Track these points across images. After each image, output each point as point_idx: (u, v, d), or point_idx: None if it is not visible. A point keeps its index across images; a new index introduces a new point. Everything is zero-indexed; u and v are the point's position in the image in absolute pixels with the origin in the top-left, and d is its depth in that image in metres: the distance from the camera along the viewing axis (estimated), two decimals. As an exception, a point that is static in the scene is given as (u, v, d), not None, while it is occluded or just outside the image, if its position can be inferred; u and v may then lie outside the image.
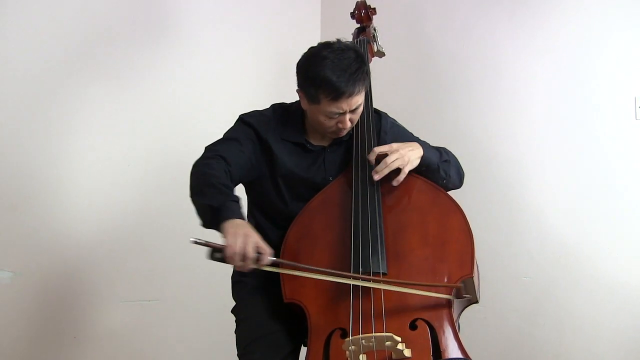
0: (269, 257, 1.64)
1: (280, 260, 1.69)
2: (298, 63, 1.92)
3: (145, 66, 2.79)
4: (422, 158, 1.94)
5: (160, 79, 2.83)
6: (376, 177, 1.89)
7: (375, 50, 2.35)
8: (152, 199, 2.77)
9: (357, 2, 2.45)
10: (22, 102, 2.46)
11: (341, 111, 1.86)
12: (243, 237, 1.61)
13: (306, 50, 1.93)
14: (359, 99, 1.87)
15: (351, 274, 1.74)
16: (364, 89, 1.88)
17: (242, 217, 1.72)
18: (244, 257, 1.61)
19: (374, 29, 2.40)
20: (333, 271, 1.74)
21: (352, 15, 2.45)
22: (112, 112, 2.68)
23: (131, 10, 2.78)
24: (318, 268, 1.75)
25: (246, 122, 2.01)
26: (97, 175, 2.63)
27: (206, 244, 1.61)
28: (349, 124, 1.92)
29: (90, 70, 2.63)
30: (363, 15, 2.40)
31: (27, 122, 2.47)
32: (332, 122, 1.91)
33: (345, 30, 2.51)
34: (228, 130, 2.03)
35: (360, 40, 2.30)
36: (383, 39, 2.40)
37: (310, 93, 1.88)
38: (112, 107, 2.68)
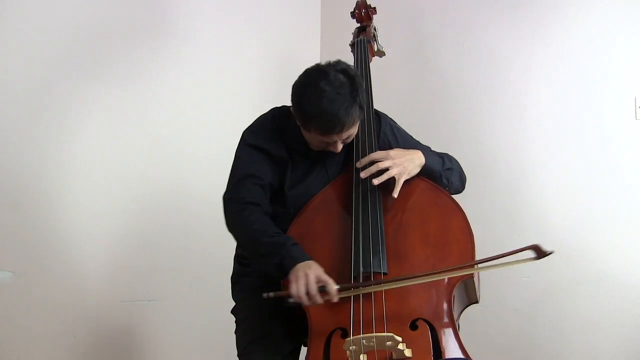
0: (332, 286, 1.68)
1: (343, 285, 1.71)
2: (294, 86, 1.88)
3: (146, 67, 2.79)
4: (424, 166, 1.94)
5: (160, 79, 2.83)
6: (375, 182, 1.88)
7: (376, 49, 2.35)
8: (152, 199, 2.77)
9: (357, 2, 2.45)
10: (23, 102, 2.46)
11: (331, 141, 1.87)
12: (303, 278, 1.68)
13: (303, 71, 1.88)
14: (351, 131, 1.86)
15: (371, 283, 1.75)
16: (357, 120, 1.86)
17: (300, 258, 1.74)
18: (310, 296, 1.67)
19: (375, 29, 2.40)
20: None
21: (353, 14, 2.45)
22: (113, 112, 2.68)
23: (131, 13, 2.78)
24: (374, 281, 1.75)
25: (254, 145, 1.97)
26: (97, 175, 2.62)
27: (277, 296, 1.72)
28: (340, 148, 1.92)
29: (90, 71, 2.63)
30: (363, 14, 2.41)
31: (28, 122, 2.46)
32: (323, 146, 1.92)
33: (344, 30, 2.51)
34: (236, 158, 1.99)
35: (360, 40, 2.30)
36: (383, 39, 2.40)
37: (301, 121, 1.87)
38: (112, 107, 2.68)
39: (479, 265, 1.75)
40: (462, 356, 1.67)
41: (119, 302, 2.66)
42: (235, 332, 1.98)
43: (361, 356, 1.63)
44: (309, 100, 1.81)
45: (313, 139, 1.89)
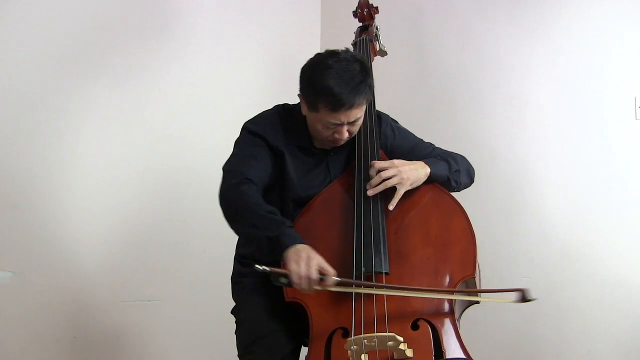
0: (332, 278, 1.65)
1: (343, 279, 1.68)
2: (302, 68, 1.91)
3: (146, 67, 2.79)
4: (431, 175, 1.93)
5: (160, 79, 2.83)
6: (370, 193, 1.88)
7: (378, 49, 2.35)
8: (152, 199, 2.77)
9: (360, 1, 2.45)
10: (23, 102, 2.45)
11: (339, 122, 1.86)
12: (306, 260, 1.64)
13: (312, 55, 1.92)
14: (358, 112, 1.86)
15: (386, 285, 1.74)
16: (365, 102, 1.87)
17: (299, 240, 1.72)
18: (308, 281, 1.64)
19: (377, 28, 2.40)
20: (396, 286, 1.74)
21: (355, 13, 2.45)
22: (113, 112, 2.68)
23: (130, 12, 2.77)
24: (373, 283, 1.74)
25: (254, 132, 1.98)
26: (97, 175, 2.62)
27: (271, 272, 1.66)
28: (346, 135, 1.91)
29: (90, 71, 2.63)
30: (365, 14, 2.41)
31: (28, 122, 2.46)
32: (329, 132, 1.90)
33: (344, 29, 2.51)
34: (237, 143, 2.00)
35: (362, 39, 2.30)
36: (384, 38, 2.40)
37: (310, 100, 1.87)
38: (112, 107, 2.68)
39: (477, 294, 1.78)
40: (463, 356, 1.67)
41: (119, 302, 2.65)
42: (235, 333, 1.98)
43: (362, 356, 1.63)
44: (319, 75, 1.82)
45: (320, 122, 1.88)
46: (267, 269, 1.66)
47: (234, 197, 1.84)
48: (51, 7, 2.53)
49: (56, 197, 2.52)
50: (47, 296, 2.46)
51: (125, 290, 2.67)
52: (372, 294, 1.73)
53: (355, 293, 1.74)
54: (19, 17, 2.45)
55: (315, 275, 1.63)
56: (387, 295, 1.72)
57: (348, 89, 1.79)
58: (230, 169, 1.93)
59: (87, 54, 2.62)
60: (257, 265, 1.66)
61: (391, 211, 1.89)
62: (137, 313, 2.70)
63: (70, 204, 2.55)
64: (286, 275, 1.65)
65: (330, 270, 1.66)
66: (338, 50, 1.89)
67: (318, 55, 1.91)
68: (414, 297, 1.73)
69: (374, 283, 1.74)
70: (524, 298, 1.63)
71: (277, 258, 1.71)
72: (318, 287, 1.66)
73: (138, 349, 2.71)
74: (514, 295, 1.65)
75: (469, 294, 1.77)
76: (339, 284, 1.67)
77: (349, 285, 1.72)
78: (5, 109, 2.41)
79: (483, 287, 1.91)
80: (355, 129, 1.94)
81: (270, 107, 2.09)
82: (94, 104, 2.62)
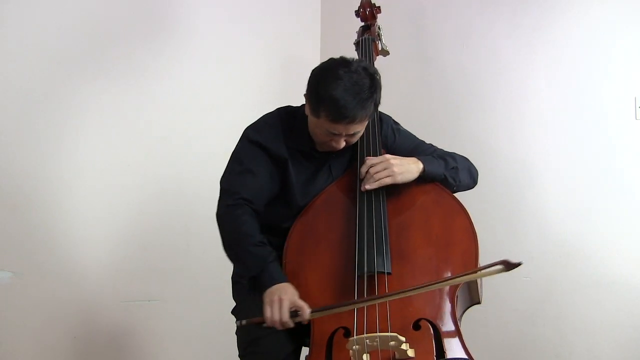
0: (306, 312, 1.70)
1: (317, 308, 1.72)
2: (313, 71, 1.90)
3: (146, 68, 2.78)
4: (424, 172, 1.93)
5: (161, 80, 2.82)
6: (363, 189, 1.90)
7: (380, 48, 2.35)
8: (152, 200, 2.76)
9: (362, 1, 2.45)
10: (23, 103, 2.45)
11: (337, 132, 1.85)
12: (278, 303, 1.70)
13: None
14: (358, 127, 1.86)
15: (377, 296, 1.74)
16: (367, 118, 1.86)
17: (277, 279, 1.77)
18: (282, 323, 1.70)
19: (379, 28, 2.40)
20: (372, 297, 1.74)
21: (357, 13, 2.45)
22: (113, 112, 2.67)
23: (131, 13, 2.77)
24: (349, 301, 1.75)
25: (255, 141, 1.97)
26: (97, 175, 2.62)
27: (251, 323, 1.75)
28: (342, 145, 1.91)
29: (91, 71, 2.62)
30: (368, 13, 2.41)
31: (28, 123, 2.45)
32: (326, 138, 1.90)
33: (344, 30, 2.51)
34: (236, 153, 2.00)
35: (365, 39, 2.30)
36: (385, 38, 2.40)
37: (313, 105, 1.86)
38: (113, 107, 2.67)
39: (454, 279, 1.74)
40: (464, 356, 1.67)
41: (119, 302, 2.65)
42: (235, 333, 1.97)
43: (364, 356, 1.64)
44: (326, 84, 1.81)
45: (319, 127, 1.88)
46: (244, 322, 1.75)
47: (227, 224, 1.89)
48: (51, 7, 2.53)
49: (56, 197, 2.51)
50: (47, 296, 2.46)
51: (125, 291, 2.66)
52: (374, 293, 1.73)
53: (357, 293, 1.74)
54: (19, 17, 2.44)
55: (286, 317, 1.69)
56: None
57: (353, 104, 1.78)
58: (227, 187, 1.94)
59: (87, 55, 2.61)
60: (237, 321, 1.80)
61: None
62: (138, 313, 2.70)
63: (71, 205, 2.54)
64: (264, 322, 1.72)
65: (302, 305, 1.70)
66: (352, 60, 1.87)
67: (331, 61, 1.89)
68: (415, 297, 1.73)
69: (348, 301, 1.74)
70: (509, 266, 1.62)
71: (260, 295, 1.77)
72: (293, 324, 1.71)
73: (138, 349, 2.71)
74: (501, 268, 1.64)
75: (453, 279, 1.72)
76: (314, 312, 1.70)
77: (327, 309, 1.73)
78: (6, 109, 2.41)
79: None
80: (354, 140, 1.93)
81: (271, 107, 2.09)
82: (94, 106, 2.62)
